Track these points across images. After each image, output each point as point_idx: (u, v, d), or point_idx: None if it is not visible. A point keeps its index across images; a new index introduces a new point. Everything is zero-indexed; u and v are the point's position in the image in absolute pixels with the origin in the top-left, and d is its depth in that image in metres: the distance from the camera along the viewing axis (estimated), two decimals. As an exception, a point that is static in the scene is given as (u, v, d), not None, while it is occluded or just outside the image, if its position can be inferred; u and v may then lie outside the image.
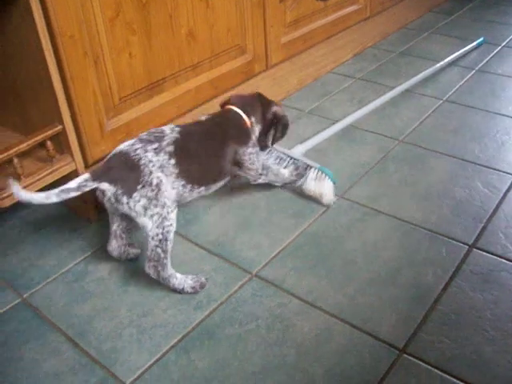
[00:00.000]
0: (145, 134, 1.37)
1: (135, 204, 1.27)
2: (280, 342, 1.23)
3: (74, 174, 1.49)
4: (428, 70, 2.30)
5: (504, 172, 1.73)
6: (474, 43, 2.67)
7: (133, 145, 1.32)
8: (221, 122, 1.50)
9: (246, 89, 1.93)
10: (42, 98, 1.41)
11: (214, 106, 1.81)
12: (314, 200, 1.64)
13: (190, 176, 1.38)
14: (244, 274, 1.41)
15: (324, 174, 1.62)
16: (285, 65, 2.11)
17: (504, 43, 2.69)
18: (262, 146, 1.61)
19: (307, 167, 1.65)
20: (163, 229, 1.28)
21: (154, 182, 1.28)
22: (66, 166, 1.47)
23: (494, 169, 1.75)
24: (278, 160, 1.70)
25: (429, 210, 1.59)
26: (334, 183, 1.63)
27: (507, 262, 1.40)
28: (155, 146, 1.32)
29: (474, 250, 1.45)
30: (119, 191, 1.26)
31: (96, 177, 1.26)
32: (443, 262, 1.41)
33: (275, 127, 1.59)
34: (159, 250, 1.29)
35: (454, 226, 1.52)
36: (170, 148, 1.34)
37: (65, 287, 1.40)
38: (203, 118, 1.51)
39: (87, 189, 1.25)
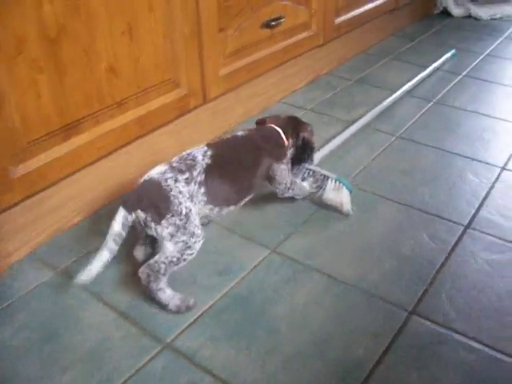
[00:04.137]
0: (176, 159, 1.37)
1: (162, 230, 1.27)
2: (185, 432, 1.08)
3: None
4: (383, 104, 2.18)
5: (452, 222, 1.61)
6: (449, 54, 2.59)
7: (164, 173, 1.31)
8: (258, 137, 1.51)
9: (180, 125, 1.80)
10: None
11: (141, 146, 1.67)
12: (335, 210, 1.65)
13: (220, 199, 1.40)
14: (157, 343, 1.26)
15: (341, 184, 1.63)
16: (228, 96, 1.98)
17: (465, 72, 2.58)
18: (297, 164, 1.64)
19: (324, 178, 1.65)
20: (182, 255, 1.29)
21: (184, 211, 1.28)
22: (-34, 217, 1.33)
23: (443, 218, 1.63)
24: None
25: (368, 267, 1.46)
26: (351, 192, 1.64)
27: (448, 333, 1.28)
28: (186, 175, 1.32)
29: (414, 317, 1.32)
30: (148, 218, 1.26)
31: (131, 209, 1.26)
32: (378, 332, 1.28)
33: (303, 151, 1.61)
34: (163, 266, 1.28)
35: (394, 287, 1.40)
36: (201, 177, 1.34)
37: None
38: (240, 133, 1.51)
39: (129, 223, 1.26)
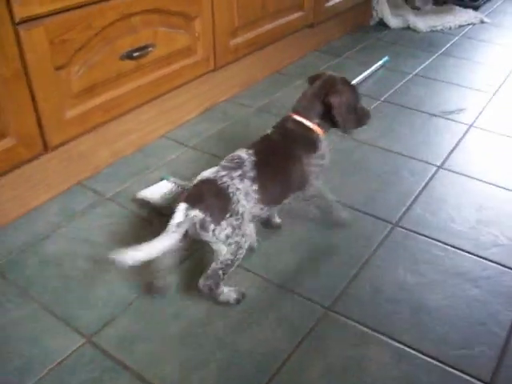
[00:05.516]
0: (224, 161, 1.34)
1: (220, 232, 1.24)
2: None
3: None
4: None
5: (313, 302, 1.38)
6: (380, 62, 2.44)
7: (217, 172, 1.29)
8: (286, 133, 1.41)
9: (14, 179, 1.56)
10: None
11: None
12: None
13: (269, 198, 1.35)
14: None
15: None
16: (85, 138, 1.73)
17: (385, 96, 2.33)
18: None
19: None
20: (235, 256, 1.28)
21: (240, 210, 1.27)
22: None
23: (303, 296, 1.40)
24: None
25: (193, 366, 1.23)
26: None
27: None
28: (239, 172, 1.29)
29: None
30: (207, 219, 1.22)
31: (191, 204, 1.23)
32: None
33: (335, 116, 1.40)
34: (220, 272, 1.29)
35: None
36: (252, 173, 1.31)
37: None
38: (268, 131, 1.44)
39: (191, 217, 1.22)
